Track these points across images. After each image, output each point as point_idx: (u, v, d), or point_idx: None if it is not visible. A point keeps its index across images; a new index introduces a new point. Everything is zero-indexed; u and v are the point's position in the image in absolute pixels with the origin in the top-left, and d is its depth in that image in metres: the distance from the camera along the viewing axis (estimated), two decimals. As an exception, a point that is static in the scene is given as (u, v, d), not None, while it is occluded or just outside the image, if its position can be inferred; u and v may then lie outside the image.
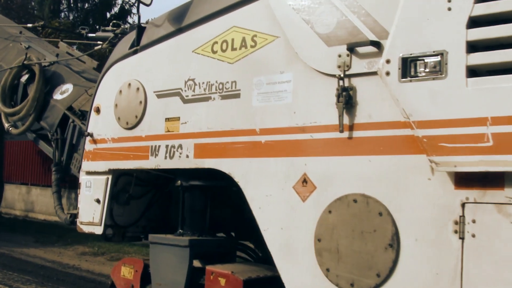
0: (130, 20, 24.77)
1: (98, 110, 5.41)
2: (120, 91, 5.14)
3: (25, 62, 7.95)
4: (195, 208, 4.90)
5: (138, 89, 4.97)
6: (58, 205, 6.99)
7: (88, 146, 5.47)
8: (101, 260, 12.46)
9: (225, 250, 4.80)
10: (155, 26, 5.05)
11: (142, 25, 5.20)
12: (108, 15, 24.34)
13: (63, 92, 7.63)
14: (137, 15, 5.38)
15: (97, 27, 18.21)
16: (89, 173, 5.46)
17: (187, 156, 4.52)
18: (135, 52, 5.15)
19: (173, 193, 5.81)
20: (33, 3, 21.11)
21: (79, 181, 5.61)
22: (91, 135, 5.43)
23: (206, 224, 4.91)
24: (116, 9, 24.37)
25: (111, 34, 7.36)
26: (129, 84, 5.06)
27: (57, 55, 8.21)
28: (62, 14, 23.72)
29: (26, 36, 9.20)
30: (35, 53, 8.22)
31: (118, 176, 5.33)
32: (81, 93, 7.42)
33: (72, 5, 24.38)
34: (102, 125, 5.35)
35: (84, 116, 7.15)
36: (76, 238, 13.94)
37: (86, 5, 24.95)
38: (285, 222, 3.86)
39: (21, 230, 16.53)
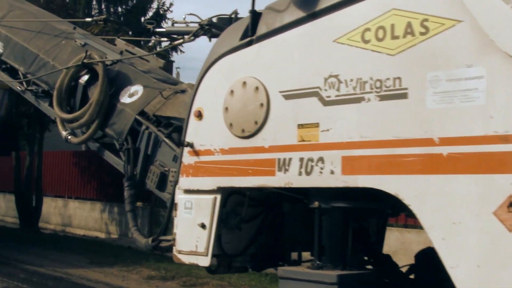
0: (164, 25, 24.41)
1: (200, 115, 4.76)
2: (232, 92, 4.49)
3: (85, 60, 7.36)
4: (336, 235, 4.22)
5: (257, 88, 4.31)
6: (134, 227, 6.36)
7: (188, 158, 4.82)
8: (173, 285, 11.81)
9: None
10: (276, 11, 4.38)
11: (258, 10, 4.55)
12: (142, 19, 24.02)
13: (132, 95, 7.02)
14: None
15: (130, 32, 17.78)
16: (189, 191, 4.81)
17: (332, 172, 3.85)
18: (249, 44, 4.50)
19: (287, 214, 5.17)
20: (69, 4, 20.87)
21: (175, 202, 4.96)
22: (191, 145, 4.78)
23: (349, 254, 4.24)
24: (150, 13, 24.07)
25: (186, 28, 6.76)
26: (244, 83, 4.41)
27: (121, 53, 7.61)
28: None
29: (81, 33, 8.63)
30: (95, 51, 7.64)
31: (228, 195, 4.68)
32: (154, 96, 6.80)
33: (104, 9, 24.12)
34: (207, 133, 4.70)
35: (159, 122, 6.55)
36: (135, 258, 13.40)
37: (120, 9, 24.71)
38: (484, 258, 3.18)
39: (68, 248, 15.93)
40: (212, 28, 6.02)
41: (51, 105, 8.30)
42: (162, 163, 6.34)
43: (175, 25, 7.08)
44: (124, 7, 24.92)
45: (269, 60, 4.31)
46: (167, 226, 5.65)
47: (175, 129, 6.29)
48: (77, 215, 20.56)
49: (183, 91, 6.63)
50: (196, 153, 4.73)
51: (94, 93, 7.05)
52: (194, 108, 4.80)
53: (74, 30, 8.76)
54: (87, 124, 7.19)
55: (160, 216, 17.34)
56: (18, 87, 8.79)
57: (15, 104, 14.73)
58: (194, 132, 4.78)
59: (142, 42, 14.09)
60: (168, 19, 24.35)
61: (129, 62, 7.59)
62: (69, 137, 7.46)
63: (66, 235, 19.28)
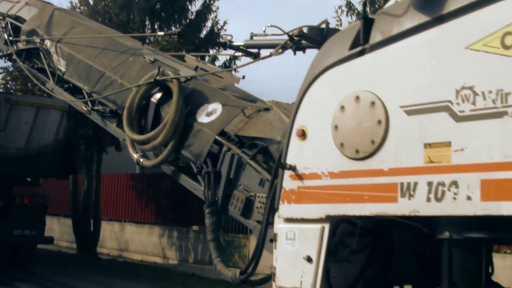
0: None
1: (303, 135, 4.37)
2: (342, 107, 4.09)
3: (157, 77, 7.09)
4: (470, 269, 3.78)
5: (373, 103, 3.91)
6: (217, 258, 5.99)
7: (289, 183, 4.43)
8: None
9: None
10: (393, 16, 3.98)
11: (370, 16, 4.16)
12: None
13: (210, 114, 6.70)
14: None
15: (184, 49, 17.65)
16: (292, 220, 4.42)
17: (469, 198, 3.41)
18: (361, 53, 4.10)
19: (396, 244, 4.74)
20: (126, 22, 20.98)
21: (275, 232, 4.58)
22: (293, 168, 4.40)
23: (484, 289, 3.80)
24: (205, 32, 24.04)
25: (268, 41, 6.42)
26: (357, 97, 4.01)
27: (196, 69, 7.32)
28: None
29: (149, 49, 8.38)
30: (167, 67, 7.36)
31: (337, 224, 4.28)
32: (235, 114, 6.47)
33: (157, 28, 24.18)
34: (312, 155, 4.31)
35: (242, 142, 6.20)
36: (204, 286, 12.99)
37: (173, 28, 24.76)
38: None
39: (131, 275, 15.60)
40: (303, 39, 5.67)
41: (119, 125, 8.08)
42: (247, 188, 5.99)
43: (254, 37, 6.77)
44: (178, 26, 24.95)
45: (387, 71, 3.91)
46: (259, 258, 5.28)
47: (260, 150, 5.95)
48: (134, 240, 20.39)
49: (266, 109, 6.28)
50: (300, 177, 4.34)
51: (169, 112, 6.75)
52: (296, 127, 4.42)
53: (142, 46, 8.54)
54: (161, 146, 6.90)
55: (222, 241, 16.99)
56: (84, 107, 8.58)
57: (73, 126, 14.63)
58: (296, 154, 4.40)
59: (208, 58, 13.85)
60: (224, 35, 24.22)
61: (203, 79, 7.30)
62: (141, 160, 7.17)
63: (125, 260, 19.06)
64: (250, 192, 5.93)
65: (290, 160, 4.44)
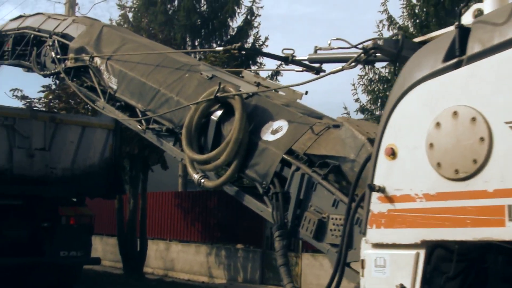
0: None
1: (392, 154, 4.15)
2: (438, 124, 3.87)
3: (218, 94, 6.94)
4: None
5: (473, 119, 3.68)
6: (290, 283, 5.78)
7: (378, 206, 4.22)
8: None
9: None
10: (493, 24, 3.76)
11: (465, 25, 3.94)
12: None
13: (275, 131, 6.51)
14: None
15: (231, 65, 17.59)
16: (381, 246, 4.19)
17: None
18: (457, 65, 3.87)
19: (490, 269, 4.48)
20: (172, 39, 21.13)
21: (362, 258, 4.36)
22: (382, 189, 4.18)
23: None
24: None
25: (336, 55, 6.23)
26: (455, 113, 3.78)
27: (257, 85, 7.16)
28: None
29: (206, 64, 8.26)
30: (228, 84, 7.21)
31: (432, 249, 4.05)
32: (303, 132, 6.27)
33: (197, 45, 24.28)
34: (403, 175, 4.08)
35: (311, 161, 6.00)
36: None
37: (214, 45, 24.92)
38: None
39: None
40: (378, 51, 5.47)
41: (176, 144, 7.96)
42: (319, 209, 5.79)
43: (319, 52, 6.59)
44: (219, 42, 25.02)
45: (488, 84, 3.68)
46: (339, 284, 5.06)
47: (332, 169, 5.75)
48: (181, 259, 20.28)
49: (336, 126, 6.07)
50: (390, 199, 4.12)
51: (231, 130, 6.59)
52: (384, 145, 4.20)
53: (199, 62, 8.44)
54: (224, 166, 6.74)
55: (272, 260, 16.78)
56: (138, 126, 8.48)
57: (119, 145, 14.60)
58: (385, 174, 4.18)
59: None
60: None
61: (264, 95, 7.14)
62: (202, 180, 7.01)
63: (173, 280, 18.96)
64: (322, 213, 5.73)
65: (378, 181, 4.22)
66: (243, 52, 17.40)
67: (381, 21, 23.07)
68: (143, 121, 8.52)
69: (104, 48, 9.96)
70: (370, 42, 5.51)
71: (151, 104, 8.29)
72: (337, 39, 6.53)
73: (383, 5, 22.79)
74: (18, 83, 46.61)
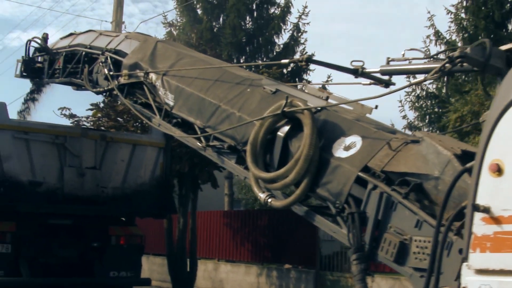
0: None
1: (499, 170, 3.81)
2: (552, 137, 3.53)
3: (285, 109, 6.67)
4: None
5: None
6: (370, 310, 5.45)
7: (482, 227, 3.87)
8: None
9: None
10: None
11: None
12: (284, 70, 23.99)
13: (349, 148, 6.21)
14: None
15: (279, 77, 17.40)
16: (486, 272, 3.85)
17: None
18: None
19: None
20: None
21: (463, 285, 4.02)
22: (487, 210, 3.84)
23: None
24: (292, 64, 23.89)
25: (411, 66, 5.94)
26: None
27: (326, 99, 6.87)
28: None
29: (269, 78, 8.00)
30: (295, 98, 6.93)
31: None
32: (379, 148, 5.95)
33: (242, 61, 24.25)
34: (512, 194, 3.75)
35: (389, 179, 5.68)
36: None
37: (260, 61, 24.86)
38: None
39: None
40: (465, 61, 5.14)
41: (239, 162, 7.71)
42: (400, 230, 5.46)
43: (391, 63, 6.30)
44: (264, 59, 24.90)
45: None
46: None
47: (414, 188, 5.42)
48: (230, 279, 20.02)
49: (415, 141, 5.74)
50: (497, 220, 3.78)
51: (301, 147, 6.31)
52: (488, 161, 3.87)
53: (261, 76, 8.21)
54: (293, 184, 6.45)
55: (327, 281, 16.39)
56: (197, 144, 8.25)
57: (170, 163, 14.42)
58: (490, 193, 3.84)
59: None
60: (311, 70, 24.23)
61: (332, 109, 6.85)
62: (269, 200, 6.72)
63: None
64: (403, 235, 5.40)
65: (482, 200, 3.88)
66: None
67: (428, 36, 23.27)
68: (202, 138, 8.28)
69: (159, 64, 9.79)
70: (456, 51, 5.18)
71: (211, 120, 8.07)
72: (411, 49, 6.26)
73: (429, 20, 23.04)
74: (66, 102, 47.15)
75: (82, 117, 18.52)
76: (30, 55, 15.13)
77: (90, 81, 12.02)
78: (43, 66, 14.97)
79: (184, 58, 9.62)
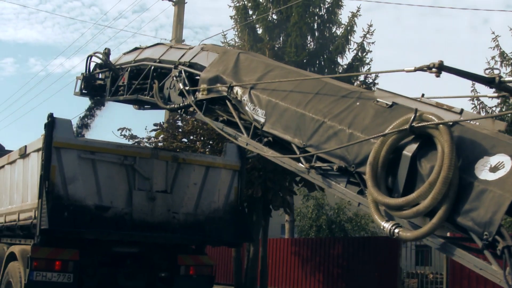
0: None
1: None
2: None
3: (414, 124, 5.94)
4: None
5: None
6: None
7: None
8: None
9: None
10: None
11: None
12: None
13: (495, 169, 5.46)
14: None
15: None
16: None
17: None
18: None
19: None
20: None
21: None
22: None
23: None
24: (362, 77, 23.30)
25: None
26: None
27: (460, 112, 6.12)
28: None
29: (382, 90, 7.28)
30: (426, 112, 6.18)
31: None
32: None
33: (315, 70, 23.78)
34: None
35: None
36: None
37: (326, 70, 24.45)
38: None
39: None
40: None
41: (349, 185, 7.00)
42: None
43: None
44: (336, 69, 24.39)
45: None
46: None
47: None
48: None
49: None
50: None
51: (436, 167, 5.57)
52: None
53: (373, 89, 7.46)
54: (426, 211, 5.69)
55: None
56: (300, 165, 7.55)
57: (244, 187, 13.72)
58: None
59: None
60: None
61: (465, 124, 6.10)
62: (396, 230, 5.96)
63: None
64: None
65: None
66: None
67: (493, 57, 23.27)
68: (302, 159, 7.58)
69: (245, 77, 9.18)
70: None
71: (313, 139, 7.38)
72: None
73: (494, 41, 23.23)
74: (123, 122, 46.88)
75: (143, 138, 18.05)
76: (91, 72, 14.67)
77: (161, 97, 11.45)
78: (104, 83, 14.53)
79: (274, 70, 8.99)
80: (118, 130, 18.39)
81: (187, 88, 10.36)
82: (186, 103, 10.34)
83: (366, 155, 6.45)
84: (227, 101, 9.42)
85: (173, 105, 10.87)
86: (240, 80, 9.13)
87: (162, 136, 17.24)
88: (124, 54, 14.23)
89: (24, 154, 12.70)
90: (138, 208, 11.83)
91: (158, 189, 12.13)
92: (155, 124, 18.15)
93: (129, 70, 13.09)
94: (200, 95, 10.04)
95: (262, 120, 8.35)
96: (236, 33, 27.49)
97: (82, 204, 11.38)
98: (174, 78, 10.81)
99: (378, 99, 6.97)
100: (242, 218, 13.23)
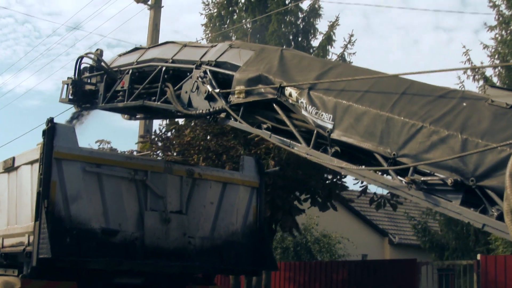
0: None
1: None
2: None
3: None
4: None
5: None
6: None
7: None
8: None
9: None
10: None
11: None
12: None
13: None
14: None
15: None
16: None
17: None
18: None
19: None
20: None
21: None
22: None
23: None
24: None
25: None
26: None
27: None
28: None
29: (495, 87, 6.53)
30: None
31: None
32: None
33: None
34: None
35: None
36: None
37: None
38: None
39: None
40: None
41: (464, 203, 6.21)
42: None
43: None
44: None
45: None
46: None
47: None
48: None
49: None
50: None
51: None
52: None
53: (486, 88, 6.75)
54: None
55: None
56: (403, 181, 6.73)
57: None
58: None
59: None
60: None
61: None
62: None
63: None
64: None
65: None
66: None
67: (465, 72, 24.61)
68: (392, 172, 6.78)
69: (298, 76, 8.41)
70: None
71: (408, 147, 6.63)
72: None
73: (465, 55, 24.30)
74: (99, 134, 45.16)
75: (125, 151, 16.97)
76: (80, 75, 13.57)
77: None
78: (96, 89, 13.45)
79: (335, 68, 8.29)
80: (96, 142, 17.32)
81: (217, 90, 9.46)
82: (217, 108, 9.42)
83: (492, 165, 5.70)
84: (274, 105, 8.58)
85: (198, 111, 9.91)
86: (293, 80, 8.35)
87: (147, 151, 16.12)
88: (120, 55, 13.29)
89: (10, 167, 11.51)
90: (150, 232, 10.79)
91: (172, 210, 11.11)
92: (141, 136, 17.14)
93: (130, 72, 12.07)
94: (235, 99, 9.19)
95: (329, 126, 7.58)
96: (207, 42, 26.77)
97: (86, 227, 10.26)
98: (199, 80, 9.90)
99: (492, 99, 6.22)
100: (263, 242, 12.25)
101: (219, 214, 11.73)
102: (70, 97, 13.74)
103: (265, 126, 8.88)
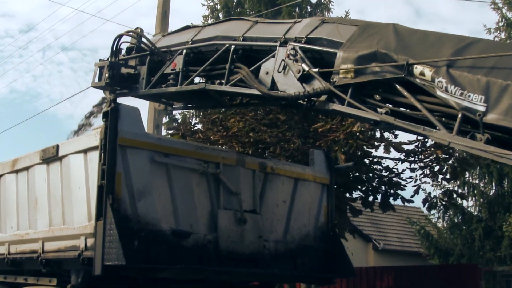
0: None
1: None
2: None
3: None
4: None
5: None
6: None
7: None
8: None
9: None
10: None
11: None
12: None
13: None
14: None
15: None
16: None
17: None
18: None
19: None
20: None
21: None
22: None
23: None
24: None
25: None
26: None
27: None
28: None
29: None
30: None
31: None
32: None
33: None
34: None
35: None
36: None
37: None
38: None
39: None
40: None
41: None
42: None
43: None
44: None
45: None
46: None
47: None
48: None
49: None
50: None
51: None
52: None
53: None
54: None
55: None
56: None
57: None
58: None
59: None
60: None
61: None
62: None
63: None
64: None
65: None
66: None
67: None
68: None
69: (428, 53, 7.93)
70: None
71: None
72: None
73: None
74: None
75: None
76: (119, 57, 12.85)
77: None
78: (135, 72, 12.78)
79: (475, 43, 7.84)
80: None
81: (315, 70, 8.93)
82: (318, 90, 8.89)
83: None
84: (397, 85, 8.10)
85: (290, 94, 9.31)
86: (423, 56, 7.85)
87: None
88: (164, 35, 12.67)
89: (53, 157, 10.66)
90: (225, 234, 10.12)
91: (247, 208, 10.47)
92: (170, 128, 16.59)
93: (184, 53, 11.46)
94: (340, 79, 8.66)
95: (482, 109, 7.16)
96: None
97: (156, 228, 9.47)
98: (289, 58, 9.35)
99: None
100: (337, 246, 11.73)
101: (291, 214, 11.20)
102: (106, 81, 13.04)
103: (382, 110, 8.38)
